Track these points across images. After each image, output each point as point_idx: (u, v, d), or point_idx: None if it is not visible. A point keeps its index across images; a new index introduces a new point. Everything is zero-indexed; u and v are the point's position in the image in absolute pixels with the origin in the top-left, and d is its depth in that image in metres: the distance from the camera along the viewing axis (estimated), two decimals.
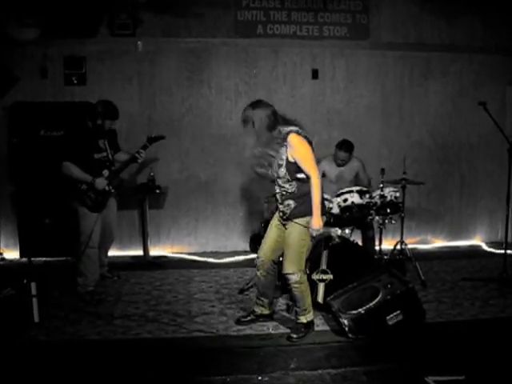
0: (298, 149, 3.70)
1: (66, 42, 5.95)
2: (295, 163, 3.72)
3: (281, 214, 3.92)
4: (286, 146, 3.72)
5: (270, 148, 3.79)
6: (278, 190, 3.91)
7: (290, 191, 3.80)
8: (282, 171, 3.77)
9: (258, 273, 4.07)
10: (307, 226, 3.76)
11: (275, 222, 4.03)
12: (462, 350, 3.67)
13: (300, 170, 3.74)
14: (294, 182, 3.77)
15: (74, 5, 5.80)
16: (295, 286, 3.84)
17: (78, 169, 4.57)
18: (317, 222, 3.74)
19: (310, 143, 3.79)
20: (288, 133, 3.72)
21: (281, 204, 3.89)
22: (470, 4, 6.48)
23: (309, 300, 3.96)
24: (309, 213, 3.75)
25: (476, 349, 3.70)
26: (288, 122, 3.79)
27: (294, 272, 3.80)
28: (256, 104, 3.75)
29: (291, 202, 3.81)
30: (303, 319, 3.94)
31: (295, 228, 3.80)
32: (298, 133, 3.73)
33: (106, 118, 4.67)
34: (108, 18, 6.00)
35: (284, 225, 3.92)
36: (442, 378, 3.24)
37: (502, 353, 3.61)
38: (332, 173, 5.61)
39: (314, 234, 3.78)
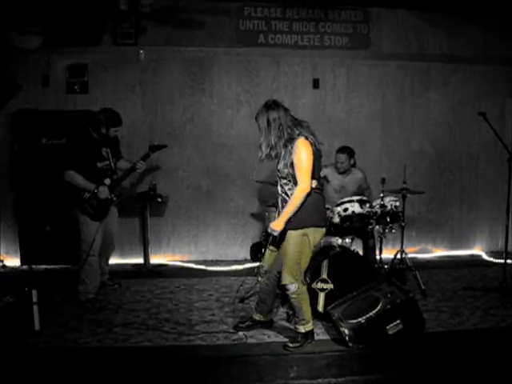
0: (299, 154, 3.68)
1: (68, 51, 6.00)
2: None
3: None
4: (293, 147, 3.70)
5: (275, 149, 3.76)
6: (279, 191, 3.87)
7: (290, 196, 3.77)
8: (286, 171, 3.73)
9: (261, 279, 4.08)
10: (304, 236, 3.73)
11: None
12: (462, 360, 3.67)
13: None
14: (294, 187, 3.73)
15: (76, 14, 5.86)
16: (293, 296, 3.83)
17: (81, 177, 4.58)
18: (278, 224, 3.71)
19: (318, 150, 3.79)
20: (299, 134, 3.72)
21: (281, 209, 3.83)
22: (470, 15, 6.52)
23: (308, 310, 3.93)
24: (303, 225, 3.73)
25: (476, 358, 3.70)
26: (299, 124, 3.79)
27: (292, 282, 3.78)
28: (270, 105, 3.76)
29: None
30: (301, 329, 3.92)
31: (292, 238, 3.75)
32: (306, 138, 3.73)
33: (110, 126, 4.68)
34: (111, 27, 6.04)
35: None
36: None
37: (502, 362, 3.61)
38: (335, 182, 5.56)
39: (269, 231, 3.77)
